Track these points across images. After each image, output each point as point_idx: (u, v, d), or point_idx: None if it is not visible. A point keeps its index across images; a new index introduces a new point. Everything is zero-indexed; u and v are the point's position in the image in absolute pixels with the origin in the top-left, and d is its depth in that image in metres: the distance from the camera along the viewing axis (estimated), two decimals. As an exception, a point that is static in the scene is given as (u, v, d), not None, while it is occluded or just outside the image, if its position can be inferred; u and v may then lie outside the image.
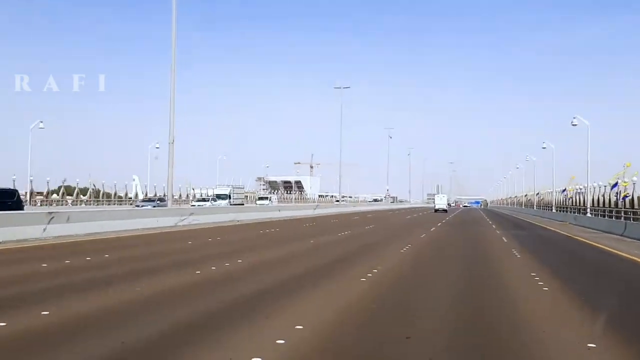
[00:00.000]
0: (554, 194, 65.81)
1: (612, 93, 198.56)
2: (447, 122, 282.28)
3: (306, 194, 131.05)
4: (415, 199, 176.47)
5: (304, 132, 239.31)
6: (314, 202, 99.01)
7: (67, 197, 75.63)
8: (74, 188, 79.71)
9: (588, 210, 45.17)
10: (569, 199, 57.02)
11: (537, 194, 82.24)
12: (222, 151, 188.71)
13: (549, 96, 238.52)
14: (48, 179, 76.33)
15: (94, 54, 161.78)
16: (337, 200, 79.88)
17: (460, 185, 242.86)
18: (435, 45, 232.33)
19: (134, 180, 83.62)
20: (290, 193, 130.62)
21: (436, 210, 79.53)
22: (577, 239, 25.17)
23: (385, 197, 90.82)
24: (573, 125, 46.20)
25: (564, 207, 61.77)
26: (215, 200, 66.66)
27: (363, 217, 46.81)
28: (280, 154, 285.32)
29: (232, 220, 32.27)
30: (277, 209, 45.31)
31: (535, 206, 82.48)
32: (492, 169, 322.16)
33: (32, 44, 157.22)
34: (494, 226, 36.12)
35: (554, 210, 63.51)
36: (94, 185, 78.66)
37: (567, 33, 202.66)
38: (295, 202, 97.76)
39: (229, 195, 70.90)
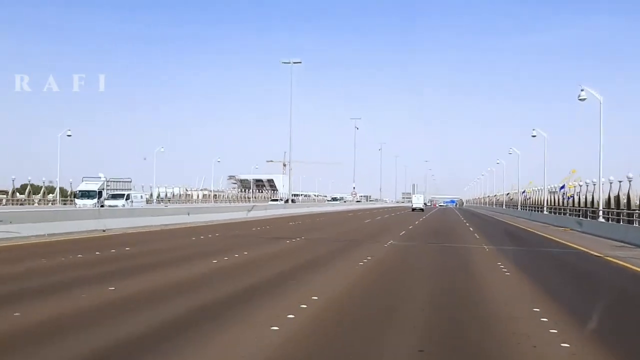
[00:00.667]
0: (545, 192, 60.16)
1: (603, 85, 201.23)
2: (424, 122, 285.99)
3: (279, 193, 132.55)
4: (389, 198, 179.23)
5: (279, 131, 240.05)
6: (252, 202, 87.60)
7: (34, 196, 75.95)
8: (40, 187, 79.98)
9: (601, 213, 35.40)
10: (568, 198, 50.22)
11: (523, 192, 79.77)
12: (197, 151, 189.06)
13: (527, 93, 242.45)
14: (14, 177, 76.78)
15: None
16: (283, 200, 78.94)
17: (436, 184, 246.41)
18: (412, 44, 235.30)
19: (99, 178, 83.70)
20: (262, 192, 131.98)
21: (413, 209, 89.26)
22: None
23: (352, 196, 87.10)
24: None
25: (559, 208, 52.18)
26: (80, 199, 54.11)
27: (303, 223, 36.26)
28: (255, 152, 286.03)
29: (94, 230, 23.39)
30: (185, 212, 33.40)
31: (519, 206, 78.18)
32: (468, 168, 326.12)
33: (32, 43, 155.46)
34: (479, 238, 26.24)
35: (545, 212, 55.01)
36: (50, 182, 78.05)
37: (542, 33, 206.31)
38: (227, 202, 77.27)
39: (99, 193, 55.41)
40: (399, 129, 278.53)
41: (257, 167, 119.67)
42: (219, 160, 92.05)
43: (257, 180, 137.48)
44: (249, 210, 42.57)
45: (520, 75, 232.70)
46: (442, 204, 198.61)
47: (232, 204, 68.75)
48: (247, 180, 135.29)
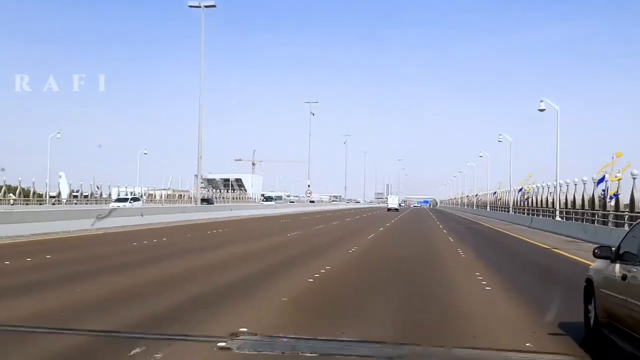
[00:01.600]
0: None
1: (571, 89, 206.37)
2: (397, 121, 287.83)
3: (247, 194, 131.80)
4: (364, 199, 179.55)
5: (247, 128, 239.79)
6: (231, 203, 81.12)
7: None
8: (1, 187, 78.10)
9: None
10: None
11: (494, 192, 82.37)
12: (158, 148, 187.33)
13: (501, 94, 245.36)
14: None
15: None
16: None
17: (410, 184, 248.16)
18: (386, 42, 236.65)
19: (60, 177, 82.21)
20: (230, 192, 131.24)
21: (389, 209, 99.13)
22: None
23: (307, 195, 77.87)
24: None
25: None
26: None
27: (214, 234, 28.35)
28: (224, 150, 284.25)
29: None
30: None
31: (488, 206, 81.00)
32: (442, 168, 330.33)
33: (32, 43, 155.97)
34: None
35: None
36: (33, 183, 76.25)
37: (512, 34, 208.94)
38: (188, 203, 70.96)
39: None
40: (372, 129, 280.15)
41: (237, 165, 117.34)
42: (145, 152, 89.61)
43: (225, 180, 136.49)
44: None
45: (491, 75, 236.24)
46: (416, 205, 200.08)
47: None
48: (214, 179, 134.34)
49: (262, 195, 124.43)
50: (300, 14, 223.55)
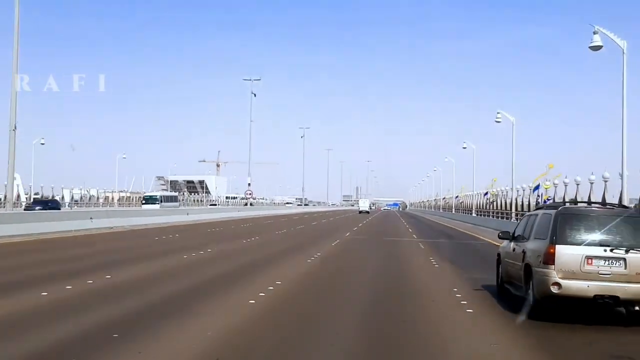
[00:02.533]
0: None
1: (532, 92, 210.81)
2: (365, 126, 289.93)
3: (211, 196, 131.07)
4: (327, 201, 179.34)
5: (211, 129, 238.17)
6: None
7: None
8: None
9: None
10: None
11: (457, 196, 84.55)
12: (122, 150, 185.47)
13: (470, 97, 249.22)
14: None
15: None
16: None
17: (379, 187, 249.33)
18: (355, 44, 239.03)
19: (15, 179, 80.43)
20: (194, 194, 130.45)
21: (360, 212, 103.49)
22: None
23: (247, 196, 70.54)
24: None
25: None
26: None
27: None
28: (187, 152, 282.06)
29: None
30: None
31: (453, 209, 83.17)
32: (411, 171, 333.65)
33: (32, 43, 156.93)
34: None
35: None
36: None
37: (478, 40, 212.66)
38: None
39: None
40: (341, 131, 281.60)
41: (175, 164, 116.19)
42: (124, 156, 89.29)
43: (188, 182, 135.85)
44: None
45: (459, 80, 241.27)
46: (386, 207, 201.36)
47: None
48: (177, 181, 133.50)
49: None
50: (269, 18, 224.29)
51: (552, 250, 9.54)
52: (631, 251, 9.36)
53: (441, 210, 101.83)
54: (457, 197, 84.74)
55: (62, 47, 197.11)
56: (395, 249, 25.12)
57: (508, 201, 53.88)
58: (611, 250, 9.40)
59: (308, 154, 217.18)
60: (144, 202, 65.25)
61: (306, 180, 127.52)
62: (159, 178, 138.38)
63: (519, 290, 10.71)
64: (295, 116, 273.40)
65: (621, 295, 9.30)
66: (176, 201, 71.82)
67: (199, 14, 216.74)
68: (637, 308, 9.48)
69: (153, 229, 35.70)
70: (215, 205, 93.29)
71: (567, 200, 30.59)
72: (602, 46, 25.70)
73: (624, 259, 9.34)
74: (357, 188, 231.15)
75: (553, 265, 9.46)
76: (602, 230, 9.68)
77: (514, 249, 11.34)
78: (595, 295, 9.31)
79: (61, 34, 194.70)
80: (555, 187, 44.58)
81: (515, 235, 11.61)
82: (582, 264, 9.38)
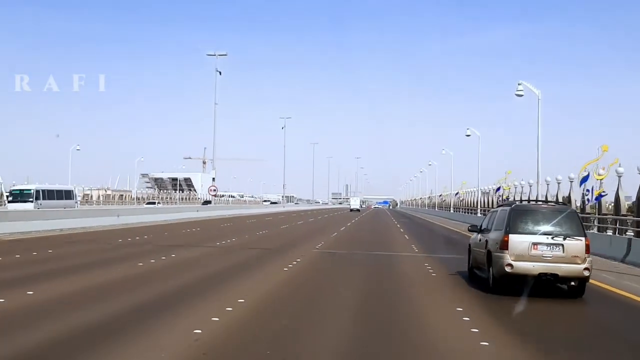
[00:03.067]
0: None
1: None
2: (356, 120, 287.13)
3: (196, 194, 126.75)
4: (322, 199, 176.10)
5: (195, 126, 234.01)
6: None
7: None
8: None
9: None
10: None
11: (456, 193, 79.46)
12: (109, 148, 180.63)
13: (462, 94, 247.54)
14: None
15: None
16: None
17: (370, 184, 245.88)
18: (343, 42, 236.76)
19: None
20: (180, 191, 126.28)
21: (351, 210, 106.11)
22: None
23: (211, 193, 62.83)
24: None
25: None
26: None
27: None
28: (173, 149, 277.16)
29: None
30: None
31: (451, 208, 78.53)
32: (403, 168, 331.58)
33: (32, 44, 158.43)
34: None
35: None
36: None
37: (474, 35, 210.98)
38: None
39: None
40: (329, 128, 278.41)
41: (142, 159, 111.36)
42: (77, 147, 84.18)
43: (173, 179, 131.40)
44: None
45: (453, 76, 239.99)
46: (377, 205, 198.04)
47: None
48: (161, 178, 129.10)
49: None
50: (257, 15, 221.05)
51: (506, 239, 12.24)
52: (567, 239, 12.09)
53: (436, 209, 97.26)
54: (456, 193, 79.63)
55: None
56: (391, 285, 14.16)
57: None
58: (552, 238, 12.10)
59: (295, 151, 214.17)
60: (10, 199, 46.81)
61: (293, 178, 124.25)
62: (144, 175, 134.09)
63: (483, 273, 13.48)
64: (282, 113, 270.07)
65: (560, 273, 12.03)
66: (70, 198, 50.02)
67: (181, 6, 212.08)
68: (572, 283, 12.25)
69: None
70: (153, 204, 70.15)
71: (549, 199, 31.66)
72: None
73: (562, 245, 12.07)
74: (346, 186, 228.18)
75: (507, 250, 12.14)
76: (545, 223, 12.36)
77: (480, 240, 14.01)
78: (539, 274, 12.05)
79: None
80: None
81: (482, 228, 14.24)
82: (529, 249, 12.08)
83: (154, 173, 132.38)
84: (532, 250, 12.08)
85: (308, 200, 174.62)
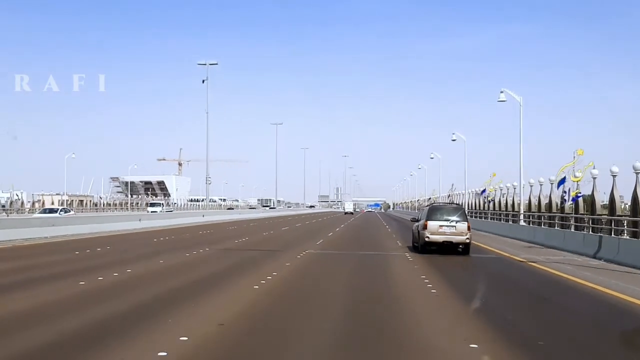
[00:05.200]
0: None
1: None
2: (344, 125, 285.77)
3: (171, 198, 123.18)
4: (297, 202, 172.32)
5: (171, 125, 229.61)
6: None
7: None
8: None
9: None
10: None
11: (448, 196, 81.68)
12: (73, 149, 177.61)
13: (451, 97, 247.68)
14: None
15: None
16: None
17: (360, 186, 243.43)
18: (331, 45, 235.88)
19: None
20: (152, 196, 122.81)
21: (345, 213, 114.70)
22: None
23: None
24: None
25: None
26: None
27: None
28: (146, 150, 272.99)
29: None
30: None
31: None
32: (392, 172, 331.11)
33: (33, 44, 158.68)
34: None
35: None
36: None
37: (461, 38, 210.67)
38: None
39: None
40: (318, 131, 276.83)
41: (135, 166, 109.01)
42: (73, 155, 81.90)
43: (146, 183, 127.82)
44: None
45: (442, 79, 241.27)
46: (370, 209, 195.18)
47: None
48: (133, 182, 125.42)
49: None
50: (242, 15, 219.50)
51: (426, 223, 22.12)
52: (458, 223, 22.00)
53: None
54: (448, 196, 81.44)
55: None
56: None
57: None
58: (450, 222, 22.02)
59: (282, 154, 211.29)
60: None
61: (279, 180, 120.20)
62: (114, 179, 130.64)
63: (417, 243, 23.75)
64: (269, 114, 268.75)
65: (454, 241, 22.00)
66: None
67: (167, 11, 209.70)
68: (461, 247, 22.12)
69: None
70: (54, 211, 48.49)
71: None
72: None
73: (455, 226, 21.97)
74: (337, 189, 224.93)
75: (427, 230, 22.02)
76: (447, 214, 22.48)
77: (416, 226, 24.25)
78: (443, 241, 21.98)
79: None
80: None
81: (418, 219, 24.71)
82: (437, 229, 21.94)
83: (124, 176, 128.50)
84: (439, 229, 21.95)
85: (297, 204, 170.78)
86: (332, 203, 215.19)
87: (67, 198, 72.82)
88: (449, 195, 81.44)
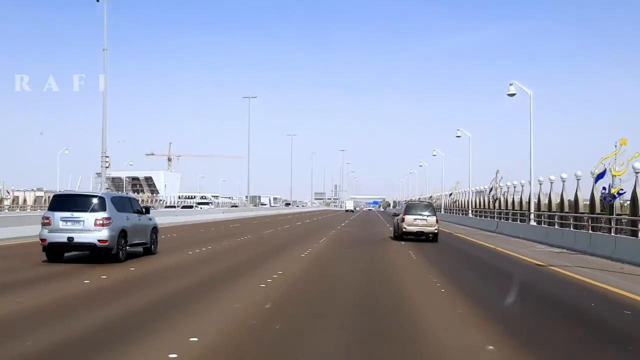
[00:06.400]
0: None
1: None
2: (343, 121, 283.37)
3: (160, 196, 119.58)
4: (295, 199, 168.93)
5: (159, 118, 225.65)
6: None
7: None
8: None
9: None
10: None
11: (450, 194, 79.29)
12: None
13: (453, 94, 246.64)
14: None
15: None
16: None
17: (358, 183, 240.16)
18: (333, 43, 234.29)
19: None
20: (139, 193, 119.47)
21: (347, 211, 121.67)
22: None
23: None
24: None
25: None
26: None
27: None
28: (135, 144, 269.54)
29: None
30: None
31: (442, 209, 76.79)
32: (392, 169, 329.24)
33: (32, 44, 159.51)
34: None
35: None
36: None
37: (464, 36, 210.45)
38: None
39: None
40: (317, 126, 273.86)
41: (131, 163, 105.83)
42: (66, 151, 79.41)
43: (134, 179, 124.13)
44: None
45: (444, 77, 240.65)
46: (368, 207, 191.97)
47: None
48: (120, 178, 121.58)
49: None
50: (244, 12, 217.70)
51: (404, 217, 28.28)
52: (428, 216, 27.91)
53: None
54: (450, 194, 78.73)
55: None
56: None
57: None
58: (422, 216, 28.16)
59: (277, 150, 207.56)
60: None
61: (276, 177, 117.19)
62: (99, 175, 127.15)
63: (397, 233, 29.38)
64: (263, 111, 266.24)
65: (425, 231, 27.92)
66: None
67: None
68: (430, 236, 27.85)
69: None
70: None
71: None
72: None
73: (426, 219, 28.03)
74: (335, 186, 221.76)
75: (404, 222, 28.07)
76: (420, 209, 28.75)
77: (397, 219, 30.35)
78: (417, 231, 27.89)
79: None
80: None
81: (398, 214, 32.78)
82: (413, 221, 27.94)
83: (110, 172, 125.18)
84: (414, 222, 28.03)
85: (295, 202, 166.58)
86: (329, 201, 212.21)
87: (43, 194, 69.40)
88: (450, 194, 78.90)
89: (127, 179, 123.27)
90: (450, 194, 78.82)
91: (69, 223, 16.06)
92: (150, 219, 19.25)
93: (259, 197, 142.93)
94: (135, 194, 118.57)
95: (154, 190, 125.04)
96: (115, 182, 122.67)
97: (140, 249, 18.46)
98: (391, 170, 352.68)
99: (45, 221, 16.24)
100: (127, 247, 17.05)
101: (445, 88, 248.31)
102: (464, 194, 70.21)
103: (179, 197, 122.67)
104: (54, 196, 19.28)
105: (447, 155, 78.24)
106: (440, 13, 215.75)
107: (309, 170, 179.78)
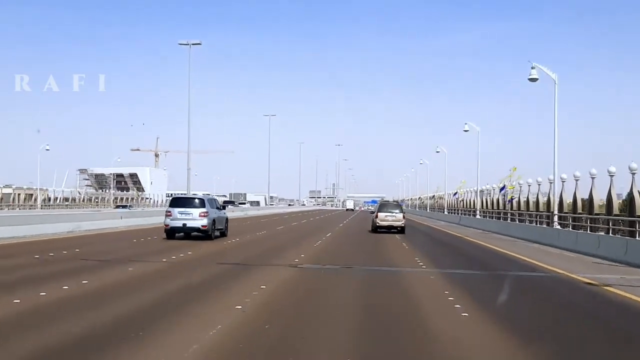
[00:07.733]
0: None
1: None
2: (341, 119, 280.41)
3: (145, 193, 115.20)
4: (291, 198, 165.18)
5: (148, 112, 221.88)
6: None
7: None
8: None
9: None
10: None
11: (455, 193, 76.97)
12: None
13: (456, 92, 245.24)
14: None
15: None
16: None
17: (356, 181, 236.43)
18: (329, 41, 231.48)
19: None
20: (125, 190, 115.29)
21: (347, 210, 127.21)
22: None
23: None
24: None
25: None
26: None
27: None
28: (120, 140, 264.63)
29: None
30: None
31: (445, 209, 76.00)
32: (394, 166, 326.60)
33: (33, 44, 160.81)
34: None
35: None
36: None
37: (461, 33, 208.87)
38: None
39: None
40: (316, 125, 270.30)
41: (119, 159, 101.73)
42: (47, 147, 75.75)
43: (118, 175, 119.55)
44: None
45: (446, 73, 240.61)
46: (368, 207, 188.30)
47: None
48: (103, 175, 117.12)
49: None
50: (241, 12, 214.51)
51: (377, 214, 36.12)
52: (396, 213, 35.81)
53: (428, 210, 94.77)
54: (455, 194, 75.62)
55: None
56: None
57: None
58: (391, 212, 35.79)
59: (274, 147, 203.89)
60: None
61: (273, 176, 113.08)
62: (82, 171, 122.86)
63: (372, 228, 37.47)
64: (259, 105, 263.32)
65: (394, 225, 35.27)
66: None
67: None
68: (398, 228, 35.13)
69: None
70: None
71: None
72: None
73: (395, 215, 35.48)
74: (333, 184, 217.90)
75: (377, 218, 35.72)
76: (390, 207, 36.93)
77: (373, 216, 38.12)
78: (388, 225, 35.31)
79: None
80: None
81: (373, 211, 40.02)
82: (385, 216, 35.51)
83: (94, 168, 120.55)
84: (386, 217, 35.33)
85: (291, 201, 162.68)
86: (325, 200, 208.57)
87: (11, 191, 64.96)
88: (455, 193, 76.18)
89: (111, 176, 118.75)
90: (455, 193, 76.31)
91: (183, 215, 25.01)
92: (224, 213, 28.71)
93: (244, 194, 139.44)
94: (120, 191, 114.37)
95: (139, 187, 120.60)
96: (99, 178, 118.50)
97: (217, 233, 26.58)
98: (391, 170, 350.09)
99: (168, 213, 25.54)
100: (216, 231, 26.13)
101: (446, 87, 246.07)
102: (470, 193, 67.36)
103: (167, 195, 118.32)
104: (173, 198, 29.89)
105: (449, 154, 75.61)
106: (440, 14, 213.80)
107: (304, 167, 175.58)
